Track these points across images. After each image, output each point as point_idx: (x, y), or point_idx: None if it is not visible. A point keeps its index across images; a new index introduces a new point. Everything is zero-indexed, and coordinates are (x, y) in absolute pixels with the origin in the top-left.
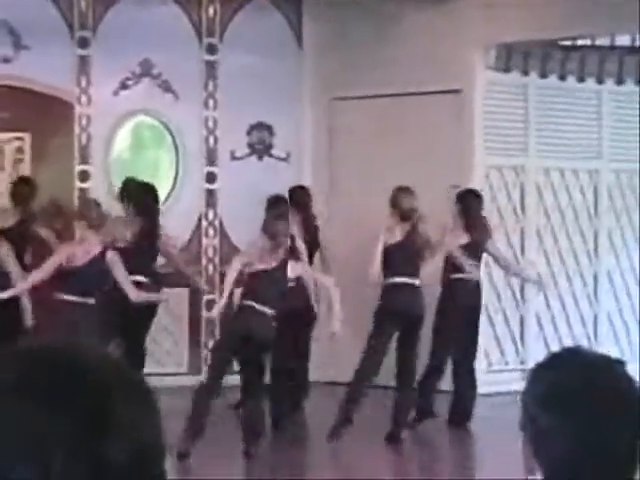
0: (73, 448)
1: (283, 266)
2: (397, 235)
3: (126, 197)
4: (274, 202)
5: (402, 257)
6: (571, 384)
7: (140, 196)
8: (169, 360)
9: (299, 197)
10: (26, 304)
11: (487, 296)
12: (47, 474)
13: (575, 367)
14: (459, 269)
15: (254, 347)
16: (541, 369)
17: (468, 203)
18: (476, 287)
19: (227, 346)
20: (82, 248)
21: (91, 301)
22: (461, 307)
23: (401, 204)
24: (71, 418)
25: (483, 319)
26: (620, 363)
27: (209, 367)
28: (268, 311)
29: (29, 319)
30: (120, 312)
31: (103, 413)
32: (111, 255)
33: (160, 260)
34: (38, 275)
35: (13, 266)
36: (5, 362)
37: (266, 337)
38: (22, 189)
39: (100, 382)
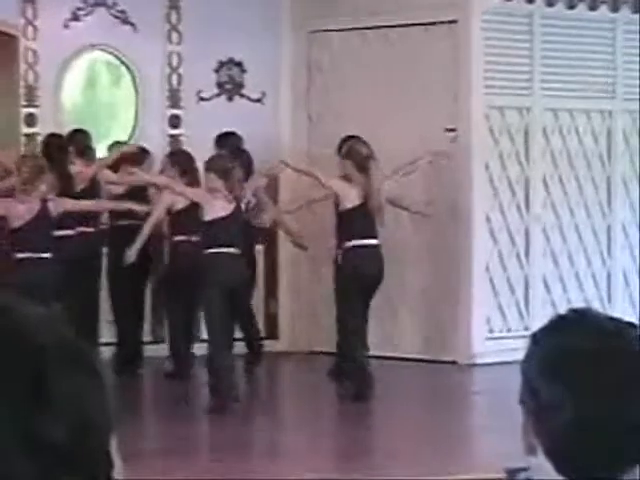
0: (4, 423)
1: None
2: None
3: None
4: None
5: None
6: (577, 351)
7: None
8: None
9: None
10: None
11: (489, 254)
12: None
13: (581, 331)
14: None
15: None
16: (543, 334)
17: None
18: None
19: None
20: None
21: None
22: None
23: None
24: (2, 389)
25: (484, 280)
26: (632, 326)
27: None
28: None
29: None
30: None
31: (37, 384)
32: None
33: None
34: None
35: None
36: None
37: None
38: None
39: (36, 349)
